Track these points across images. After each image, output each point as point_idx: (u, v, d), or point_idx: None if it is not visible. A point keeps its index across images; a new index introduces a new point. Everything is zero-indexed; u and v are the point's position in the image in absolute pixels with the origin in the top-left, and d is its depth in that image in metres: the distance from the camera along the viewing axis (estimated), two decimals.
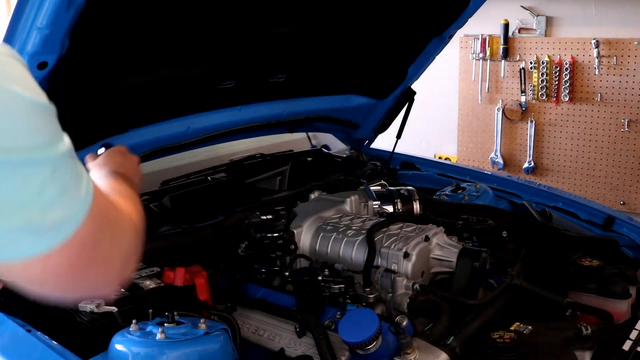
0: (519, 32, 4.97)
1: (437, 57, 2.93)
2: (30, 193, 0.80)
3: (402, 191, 2.53)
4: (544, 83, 4.86)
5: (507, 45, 4.97)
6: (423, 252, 2.00)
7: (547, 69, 4.83)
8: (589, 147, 4.85)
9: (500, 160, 5.21)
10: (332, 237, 2.13)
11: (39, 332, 1.60)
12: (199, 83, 2.28)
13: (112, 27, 1.76)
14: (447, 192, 2.79)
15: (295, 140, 3.38)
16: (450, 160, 5.32)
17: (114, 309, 1.68)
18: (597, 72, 4.65)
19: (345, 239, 2.10)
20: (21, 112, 0.81)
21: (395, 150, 3.19)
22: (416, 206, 2.48)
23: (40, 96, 0.85)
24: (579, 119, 4.84)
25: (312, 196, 2.54)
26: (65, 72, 1.67)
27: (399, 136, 3.11)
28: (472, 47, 5.13)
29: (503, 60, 5.01)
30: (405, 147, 3.28)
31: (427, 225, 2.17)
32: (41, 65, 1.55)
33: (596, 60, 4.62)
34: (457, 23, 2.71)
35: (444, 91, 5.38)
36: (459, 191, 2.76)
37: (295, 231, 2.19)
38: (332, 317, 1.77)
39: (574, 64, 4.74)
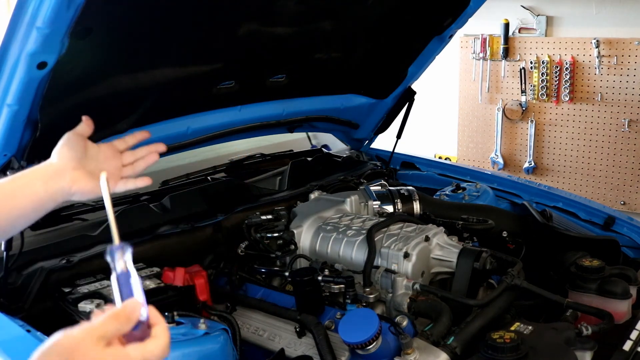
0: (519, 31, 4.97)
1: (437, 57, 2.93)
2: None
3: (402, 191, 2.53)
4: (544, 83, 4.85)
5: (508, 45, 4.97)
6: (423, 252, 2.00)
7: (547, 69, 4.83)
8: (589, 147, 4.85)
9: (500, 160, 5.20)
10: (332, 237, 2.13)
11: (38, 332, 1.60)
12: (199, 83, 2.28)
13: (111, 27, 1.76)
14: (447, 192, 2.78)
15: (295, 140, 3.38)
16: (450, 160, 5.32)
17: None
18: (597, 72, 4.64)
19: (345, 239, 2.10)
20: None
21: (395, 150, 3.19)
22: (416, 206, 2.48)
23: None
24: (579, 119, 4.84)
25: (312, 196, 2.54)
26: (65, 72, 1.67)
27: (399, 136, 3.11)
28: (472, 47, 5.12)
29: (503, 60, 5.01)
30: (405, 147, 3.28)
31: (427, 225, 2.17)
32: (41, 65, 1.54)
33: (596, 60, 4.61)
34: (457, 23, 2.70)
35: (444, 91, 5.38)
36: (459, 191, 2.76)
37: (295, 231, 2.19)
38: (332, 317, 1.77)
39: (574, 63, 4.74)
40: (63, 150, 1.30)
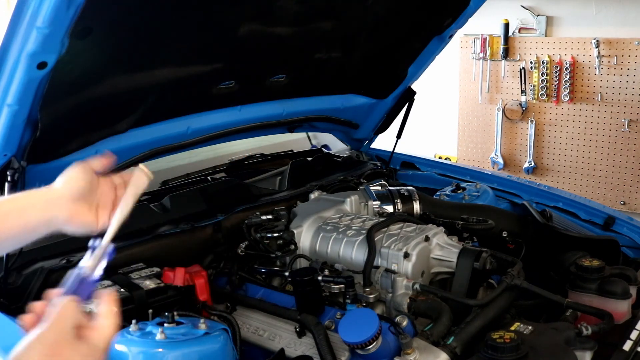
0: (519, 31, 4.97)
1: (437, 57, 2.93)
2: None
3: (402, 191, 2.53)
4: (544, 83, 4.85)
5: (508, 45, 4.97)
6: (423, 252, 2.00)
7: (547, 69, 4.83)
8: (589, 147, 4.85)
9: (500, 160, 5.20)
10: (332, 237, 2.13)
11: None
12: (199, 83, 2.28)
13: (111, 27, 1.76)
14: (447, 192, 2.78)
15: (295, 140, 3.38)
16: (450, 160, 5.32)
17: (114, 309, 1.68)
18: (597, 72, 4.65)
19: (345, 239, 2.10)
20: None
21: (395, 150, 3.19)
22: (416, 206, 2.48)
23: None
24: (579, 119, 4.84)
25: (312, 196, 2.54)
26: (65, 73, 1.67)
27: (399, 136, 3.11)
28: (472, 47, 5.12)
29: (503, 60, 5.01)
30: (405, 147, 3.28)
31: (427, 225, 2.17)
32: (41, 65, 1.55)
33: (596, 60, 4.61)
34: (457, 23, 2.70)
35: (444, 91, 5.38)
36: (459, 191, 2.76)
37: (295, 231, 2.19)
38: (332, 317, 1.77)
39: (574, 63, 4.74)
40: (70, 178, 1.26)
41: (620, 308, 1.89)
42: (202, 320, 1.60)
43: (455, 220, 2.34)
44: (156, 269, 1.94)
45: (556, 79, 4.82)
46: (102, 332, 0.97)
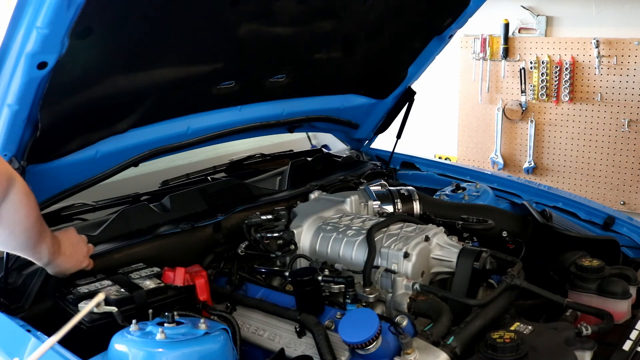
0: (519, 32, 4.97)
1: (437, 57, 2.93)
2: None
3: (402, 191, 2.53)
4: (544, 83, 4.86)
5: (507, 45, 4.97)
6: (423, 252, 2.00)
7: (547, 69, 4.83)
8: (589, 147, 4.85)
9: (500, 160, 5.21)
10: (332, 237, 2.13)
11: (38, 332, 1.60)
12: (199, 83, 2.28)
13: (111, 27, 1.76)
14: (447, 192, 2.78)
15: (295, 140, 3.38)
16: (450, 160, 5.32)
17: (114, 309, 1.69)
18: (597, 72, 4.65)
19: (345, 239, 2.10)
20: None
21: (395, 150, 3.19)
22: (416, 206, 2.48)
23: None
24: (579, 119, 4.84)
25: (312, 196, 2.54)
26: (65, 73, 1.67)
27: (399, 136, 3.11)
28: (472, 47, 5.13)
29: (503, 60, 5.01)
30: (405, 147, 3.28)
31: (427, 225, 2.17)
32: (41, 65, 1.55)
33: (596, 60, 4.62)
34: (457, 23, 2.71)
35: (444, 91, 5.38)
36: (459, 191, 2.76)
37: (295, 231, 2.19)
38: (332, 317, 1.77)
39: (574, 63, 4.74)
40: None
41: (620, 308, 1.89)
42: (202, 320, 1.60)
43: (455, 220, 2.34)
44: (156, 269, 1.95)
45: (556, 79, 4.82)
46: None
